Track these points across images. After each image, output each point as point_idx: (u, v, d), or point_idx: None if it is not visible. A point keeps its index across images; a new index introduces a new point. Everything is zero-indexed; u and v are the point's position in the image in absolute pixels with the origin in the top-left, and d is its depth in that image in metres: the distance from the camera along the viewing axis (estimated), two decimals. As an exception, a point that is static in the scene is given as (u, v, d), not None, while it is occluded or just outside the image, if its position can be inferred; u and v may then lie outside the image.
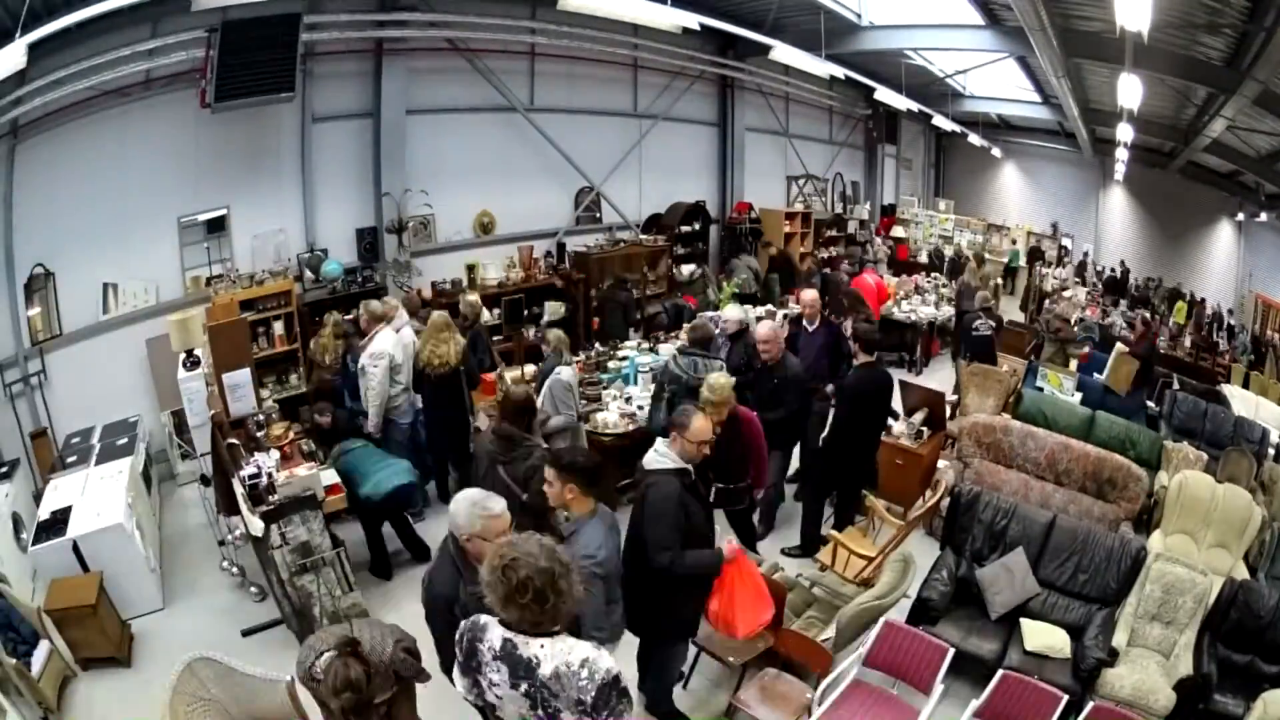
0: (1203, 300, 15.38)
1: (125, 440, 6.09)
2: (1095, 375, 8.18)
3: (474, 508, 2.97)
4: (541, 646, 2.35)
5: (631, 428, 6.44)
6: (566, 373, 6.05)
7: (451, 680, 2.68)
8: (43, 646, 4.35)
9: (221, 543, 5.60)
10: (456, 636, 2.52)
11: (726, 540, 3.85)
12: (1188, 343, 13.24)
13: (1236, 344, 13.81)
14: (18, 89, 5.52)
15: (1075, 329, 10.17)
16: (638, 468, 3.90)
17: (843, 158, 15.82)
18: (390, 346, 5.97)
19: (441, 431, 6.25)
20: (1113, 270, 17.22)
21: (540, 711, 2.38)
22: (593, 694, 2.33)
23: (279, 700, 3.48)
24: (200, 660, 3.43)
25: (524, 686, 2.36)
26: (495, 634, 2.40)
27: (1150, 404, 8.14)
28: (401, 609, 5.02)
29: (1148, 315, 14.63)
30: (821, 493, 5.98)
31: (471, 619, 2.50)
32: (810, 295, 7.07)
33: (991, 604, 4.87)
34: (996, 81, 14.07)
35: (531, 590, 2.26)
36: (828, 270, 10.48)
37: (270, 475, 4.88)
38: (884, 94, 12.43)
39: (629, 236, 10.89)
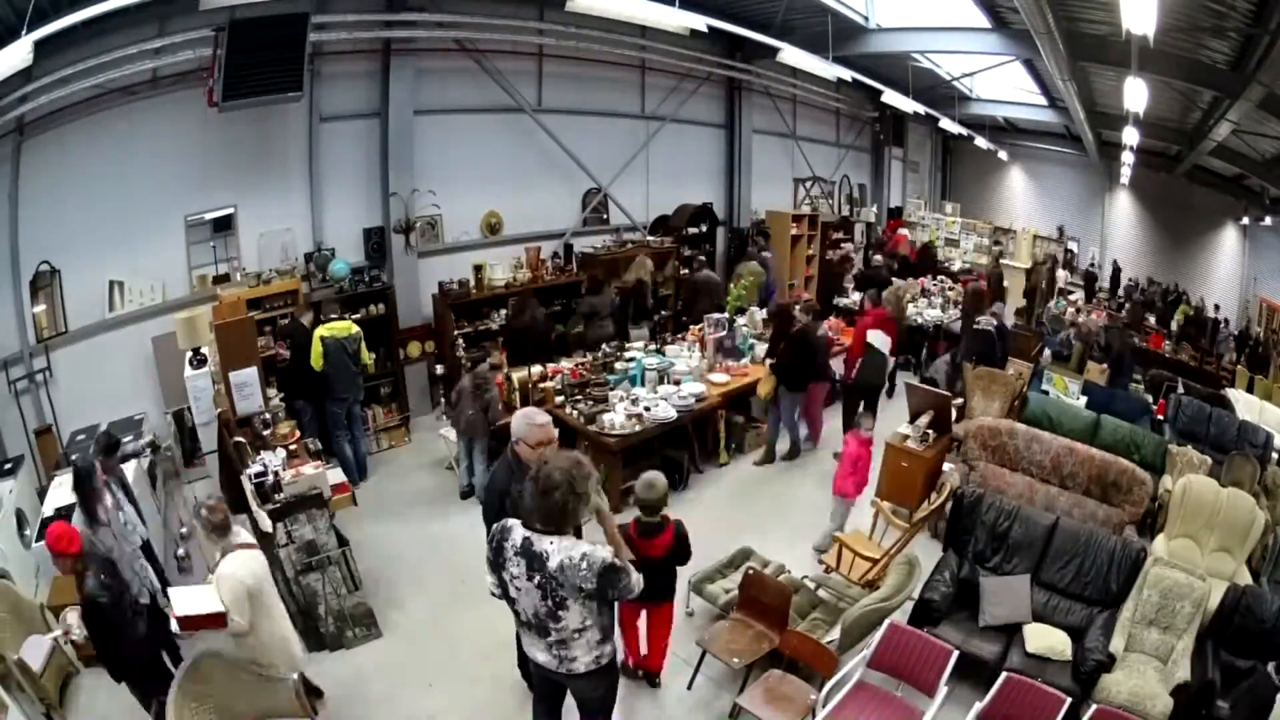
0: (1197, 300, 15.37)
1: (130, 438, 6.09)
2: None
3: (524, 419, 3.66)
4: (551, 543, 2.89)
5: (638, 428, 6.44)
6: None
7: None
8: (45, 642, 4.36)
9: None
10: (489, 537, 3.05)
11: None
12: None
13: (1220, 338, 13.83)
14: (24, 86, 5.52)
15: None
16: None
17: (849, 160, 15.77)
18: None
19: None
20: (1093, 265, 17.17)
21: (549, 602, 2.92)
22: (594, 582, 2.86)
23: (284, 698, 3.50)
24: (207, 657, 3.45)
25: (537, 578, 2.90)
26: (518, 534, 2.95)
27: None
28: (405, 609, 5.08)
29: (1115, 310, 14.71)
30: None
31: (500, 523, 3.03)
32: None
33: (984, 612, 4.88)
34: (1003, 84, 14.04)
35: (554, 494, 2.83)
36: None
37: (277, 474, 4.91)
38: (891, 96, 12.41)
39: (636, 238, 10.88)
